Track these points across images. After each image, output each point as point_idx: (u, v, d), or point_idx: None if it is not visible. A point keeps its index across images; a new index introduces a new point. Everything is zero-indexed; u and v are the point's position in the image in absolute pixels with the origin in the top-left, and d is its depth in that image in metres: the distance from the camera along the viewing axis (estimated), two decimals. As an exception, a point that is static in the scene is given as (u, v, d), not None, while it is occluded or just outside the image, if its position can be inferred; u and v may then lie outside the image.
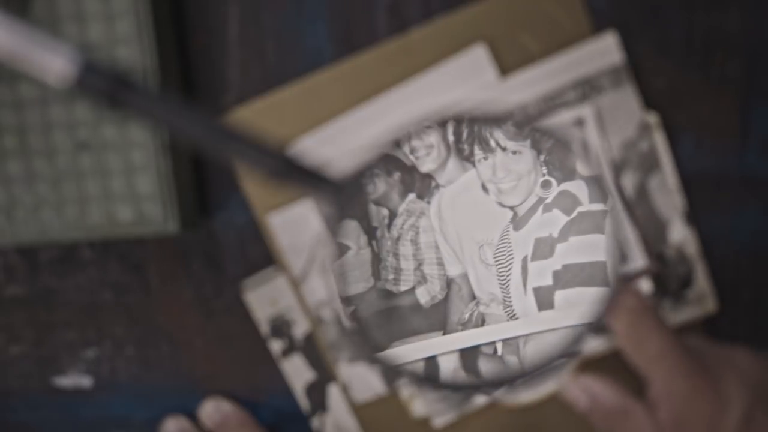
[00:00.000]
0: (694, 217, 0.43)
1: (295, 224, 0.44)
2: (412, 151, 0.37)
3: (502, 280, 0.37)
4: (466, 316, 0.37)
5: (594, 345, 0.43)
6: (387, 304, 0.37)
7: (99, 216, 0.42)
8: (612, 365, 0.41)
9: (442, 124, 0.36)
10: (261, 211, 0.44)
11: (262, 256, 0.45)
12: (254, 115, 0.43)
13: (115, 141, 0.42)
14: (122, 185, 0.42)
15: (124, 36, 0.41)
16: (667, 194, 0.42)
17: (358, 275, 0.37)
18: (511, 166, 0.36)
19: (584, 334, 0.30)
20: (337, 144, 0.43)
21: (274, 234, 0.44)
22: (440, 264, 0.37)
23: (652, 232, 0.43)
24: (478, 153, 0.36)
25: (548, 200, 0.36)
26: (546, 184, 0.35)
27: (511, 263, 0.36)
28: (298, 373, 0.46)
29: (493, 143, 0.36)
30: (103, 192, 0.42)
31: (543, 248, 0.36)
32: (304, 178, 0.25)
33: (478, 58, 0.42)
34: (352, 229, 0.37)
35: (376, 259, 0.37)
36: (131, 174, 0.42)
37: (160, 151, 0.41)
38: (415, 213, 0.37)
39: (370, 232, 0.37)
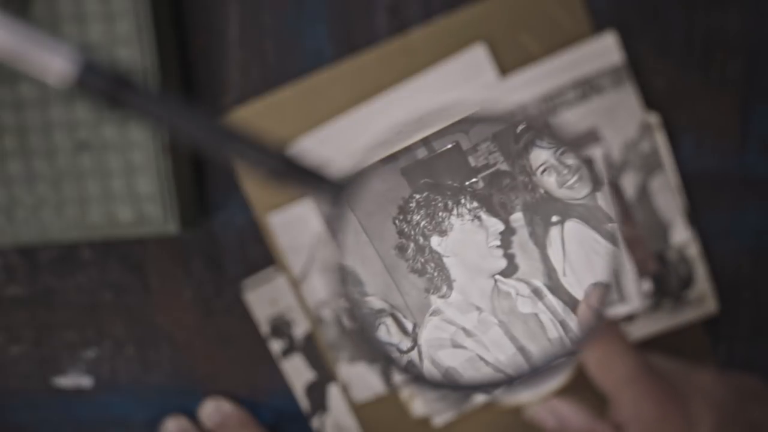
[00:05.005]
0: (694, 217, 0.43)
1: (295, 224, 0.44)
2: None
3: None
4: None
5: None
6: None
7: (99, 216, 0.42)
8: (578, 386, 0.41)
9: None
10: (261, 211, 0.44)
11: (262, 256, 0.45)
12: (254, 115, 0.43)
13: (115, 141, 0.42)
14: (122, 185, 0.42)
15: (124, 36, 0.41)
16: (669, 195, 0.42)
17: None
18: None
19: (568, 355, 0.29)
20: (337, 144, 0.43)
21: (274, 234, 0.44)
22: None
23: (653, 233, 0.43)
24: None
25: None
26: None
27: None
28: (298, 373, 0.46)
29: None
30: (103, 192, 0.42)
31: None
32: (304, 178, 0.25)
33: (478, 57, 0.42)
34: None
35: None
36: (131, 174, 0.42)
37: (160, 151, 0.41)
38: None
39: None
